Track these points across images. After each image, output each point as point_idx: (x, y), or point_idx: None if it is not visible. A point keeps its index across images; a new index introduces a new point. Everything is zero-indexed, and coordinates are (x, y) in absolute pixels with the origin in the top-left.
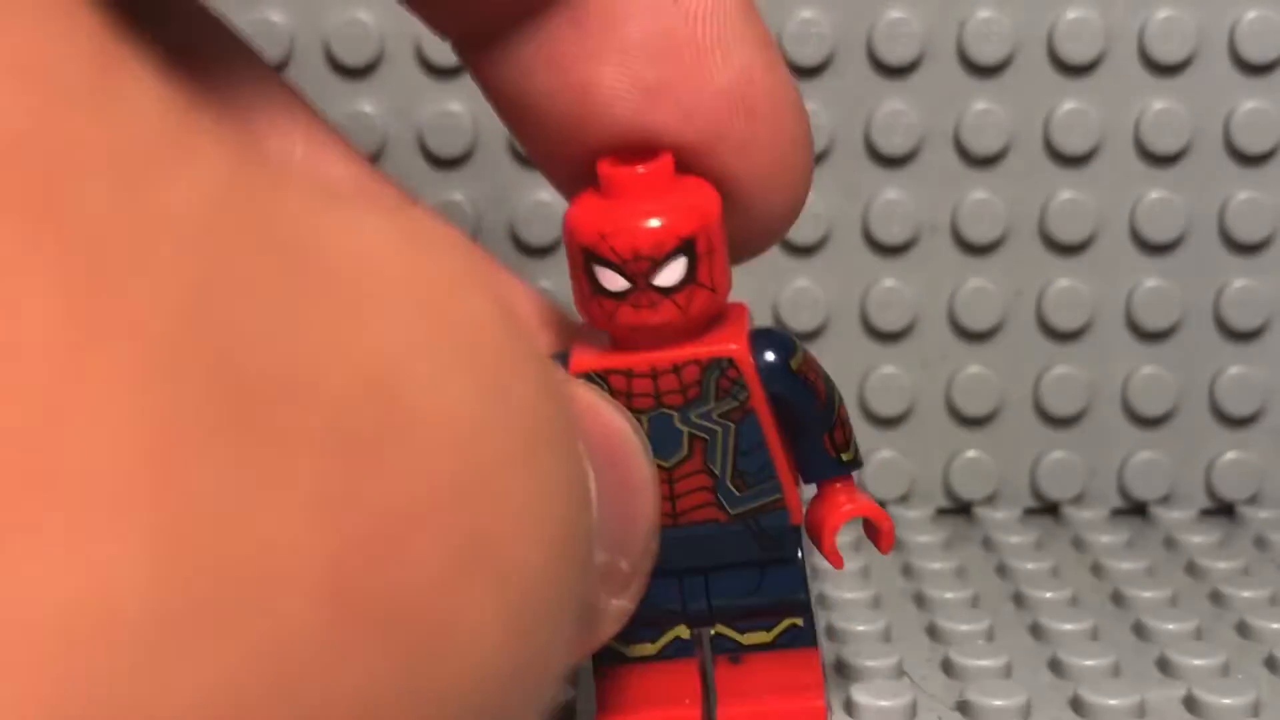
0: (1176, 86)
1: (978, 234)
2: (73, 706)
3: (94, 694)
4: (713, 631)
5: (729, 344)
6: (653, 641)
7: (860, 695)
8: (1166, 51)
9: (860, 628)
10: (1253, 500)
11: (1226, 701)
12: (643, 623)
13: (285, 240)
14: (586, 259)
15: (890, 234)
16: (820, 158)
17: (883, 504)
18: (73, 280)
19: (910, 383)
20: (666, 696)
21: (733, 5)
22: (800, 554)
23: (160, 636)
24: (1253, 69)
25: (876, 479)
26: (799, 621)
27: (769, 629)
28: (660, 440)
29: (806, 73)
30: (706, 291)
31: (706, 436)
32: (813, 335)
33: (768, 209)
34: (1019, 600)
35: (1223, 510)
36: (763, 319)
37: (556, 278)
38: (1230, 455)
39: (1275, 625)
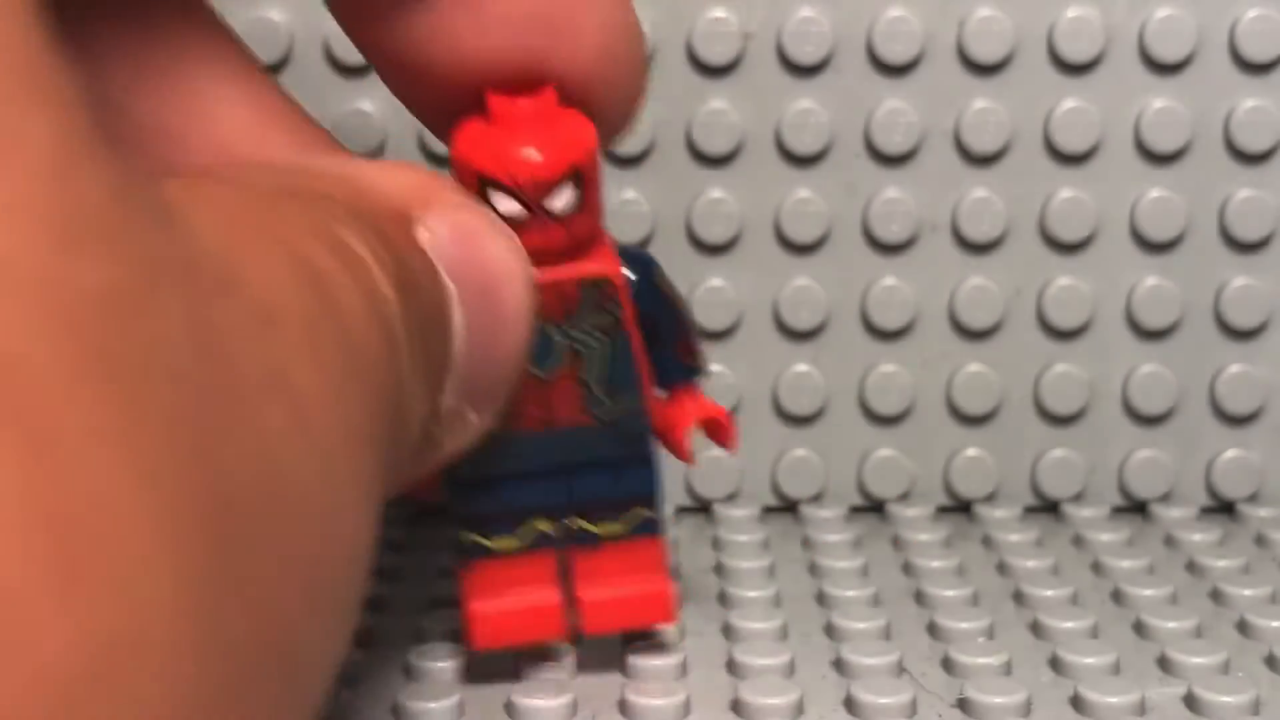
0: (1177, 85)
1: (978, 233)
2: None
3: None
4: (573, 524)
5: (605, 265)
6: (513, 534)
7: (860, 693)
8: (1167, 50)
9: (860, 625)
10: (1253, 498)
11: (1227, 699)
12: (506, 518)
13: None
14: (482, 185)
15: (890, 233)
16: (820, 157)
17: (883, 503)
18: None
19: (910, 381)
20: (530, 581)
21: None
22: (656, 451)
23: None
24: (1253, 68)
25: (877, 478)
26: (648, 512)
27: (619, 520)
28: (540, 353)
29: (806, 71)
30: (590, 216)
31: (582, 349)
32: (813, 334)
33: (613, 127)
34: (1019, 598)
35: (1223, 508)
36: (762, 316)
37: None
38: (1230, 453)
39: (1275, 623)
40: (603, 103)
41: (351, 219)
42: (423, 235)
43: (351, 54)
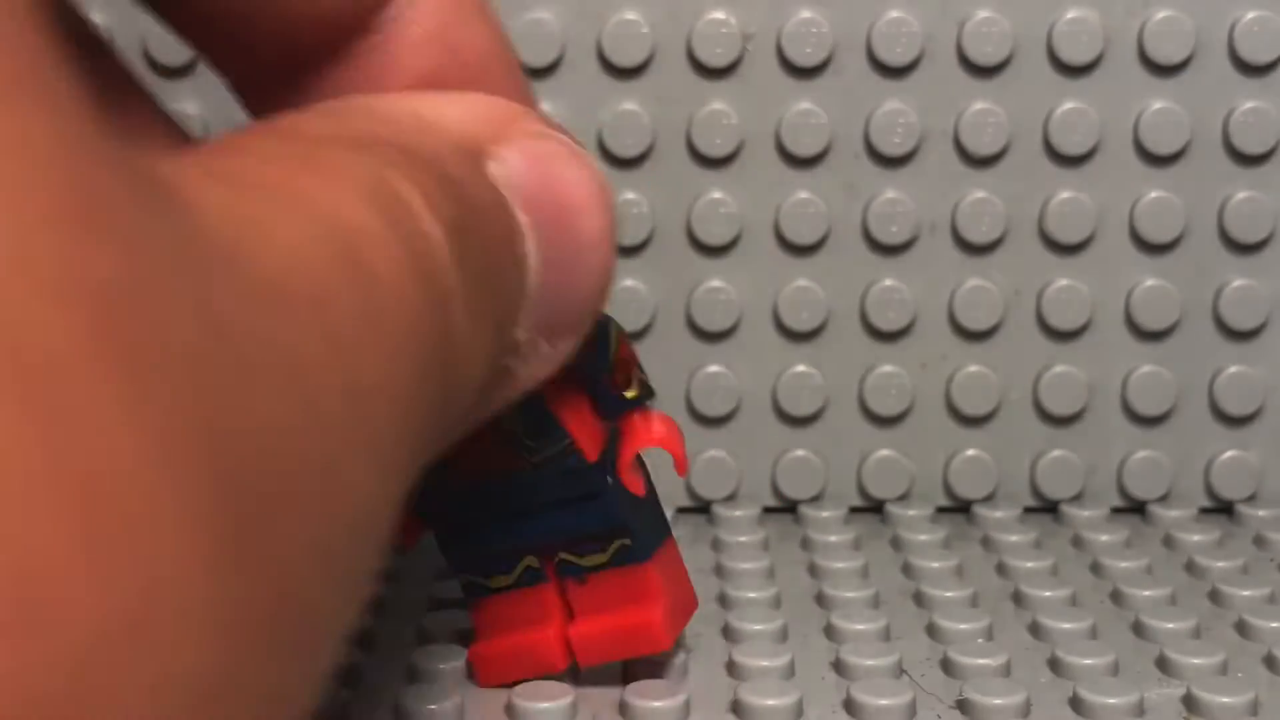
0: (1175, 87)
1: (977, 234)
2: None
3: None
4: (558, 558)
5: None
6: (508, 573)
7: (860, 694)
8: (1166, 52)
9: (859, 626)
10: (1252, 499)
11: (1225, 700)
12: (497, 557)
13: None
14: None
15: (890, 234)
16: (820, 158)
17: (883, 503)
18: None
19: (910, 382)
20: (530, 617)
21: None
22: (608, 484)
23: None
24: (1251, 69)
25: (876, 478)
26: (627, 541)
27: (604, 550)
28: None
29: (806, 73)
30: None
31: None
32: (812, 335)
33: None
34: (1018, 599)
35: (1222, 509)
36: (762, 318)
37: None
38: (1229, 454)
39: (1274, 624)
40: None
41: (404, 160)
42: (492, 168)
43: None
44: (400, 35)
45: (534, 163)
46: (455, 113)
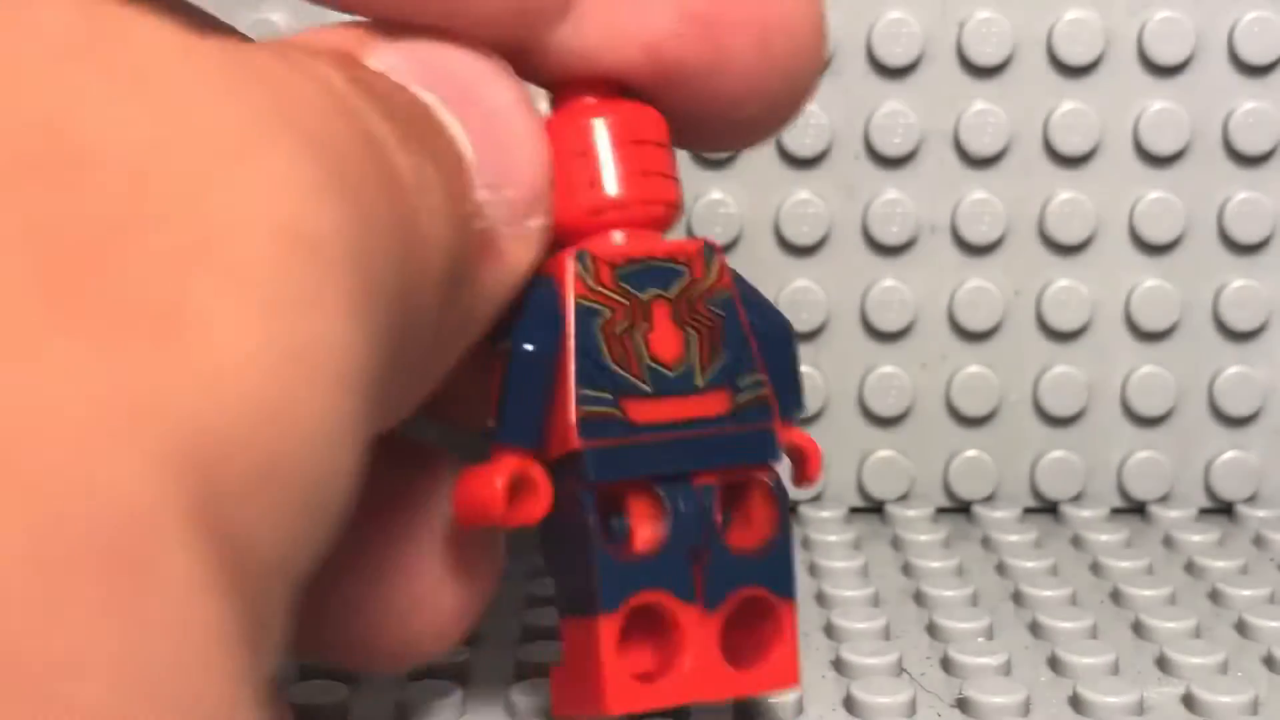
0: (1175, 87)
1: (977, 234)
2: None
3: None
4: None
5: None
6: None
7: (859, 692)
8: (1165, 52)
9: (859, 625)
10: (1251, 500)
11: (1225, 700)
12: None
13: None
14: None
15: (890, 234)
16: (820, 158)
17: (883, 503)
18: None
19: (910, 382)
20: None
21: None
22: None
23: None
24: (1251, 70)
25: (876, 478)
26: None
27: None
28: None
29: None
30: None
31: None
32: (813, 335)
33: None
34: (1018, 598)
35: (1221, 510)
36: None
37: None
38: (1229, 455)
39: (1274, 623)
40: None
41: (292, 48)
42: (371, 62)
43: None
44: None
45: (409, 54)
46: (325, 32)
